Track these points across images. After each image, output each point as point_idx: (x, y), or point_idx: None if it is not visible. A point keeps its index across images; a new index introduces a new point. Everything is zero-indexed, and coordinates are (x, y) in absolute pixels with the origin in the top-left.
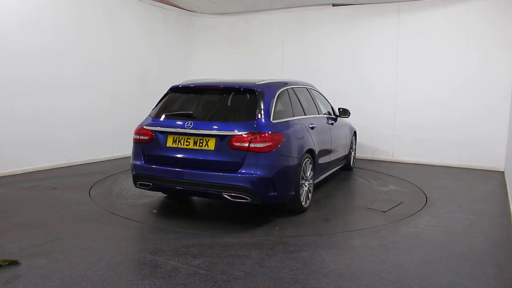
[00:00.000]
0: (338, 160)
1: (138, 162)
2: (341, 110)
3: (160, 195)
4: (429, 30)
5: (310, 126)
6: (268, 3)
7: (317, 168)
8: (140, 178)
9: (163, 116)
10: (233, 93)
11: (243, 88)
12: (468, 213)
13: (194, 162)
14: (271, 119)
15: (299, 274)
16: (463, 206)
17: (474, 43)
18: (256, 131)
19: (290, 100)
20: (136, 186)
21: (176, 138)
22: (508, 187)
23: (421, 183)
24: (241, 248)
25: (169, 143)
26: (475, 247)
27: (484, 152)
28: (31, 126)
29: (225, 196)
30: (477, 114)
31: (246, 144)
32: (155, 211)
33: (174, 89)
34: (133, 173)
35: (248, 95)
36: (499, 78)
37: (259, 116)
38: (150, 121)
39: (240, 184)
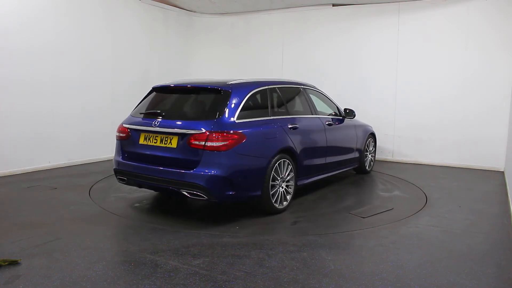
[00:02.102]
0: (341, 163)
1: (117, 158)
2: (347, 111)
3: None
4: (429, 30)
5: (291, 126)
6: (268, 3)
7: (302, 170)
8: (118, 172)
9: (138, 115)
10: (203, 92)
11: (211, 88)
12: (468, 213)
13: (160, 159)
14: (235, 119)
15: (299, 274)
16: (463, 206)
17: (474, 43)
18: (214, 130)
19: (269, 100)
20: (118, 181)
21: (147, 135)
22: (508, 187)
23: (421, 183)
24: (241, 248)
25: (141, 140)
26: (475, 247)
27: (484, 152)
28: (31, 126)
29: (184, 193)
30: (477, 114)
31: (203, 143)
32: (137, 204)
33: (155, 89)
34: (113, 167)
35: (215, 95)
36: (499, 78)
37: (220, 115)
38: (128, 119)
39: (196, 182)
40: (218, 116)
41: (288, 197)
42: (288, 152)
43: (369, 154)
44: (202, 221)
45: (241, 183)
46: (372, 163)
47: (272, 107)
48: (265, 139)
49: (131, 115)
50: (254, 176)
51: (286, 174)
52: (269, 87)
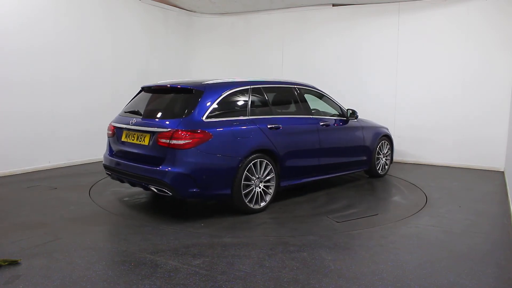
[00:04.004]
0: (342, 165)
1: (106, 154)
2: (350, 111)
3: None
4: (429, 30)
5: (271, 126)
6: (268, 3)
7: (286, 171)
8: (105, 168)
9: (123, 113)
10: (179, 92)
11: (186, 88)
12: (468, 213)
13: (136, 156)
14: (204, 118)
15: (299, 274)
16: (463, 206)
17: (474, 43)
18: (179, 128)
19: (250, 100)
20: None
21: (127, 133)
22: (508, 187)
23: (421, 183)
24: (241, 248)
25: (123, 137)
26: (475, 247)
27: (484, 152)
28: (31, 126)
29: (152, 188)
30: (477, 114)
31: (168, 141)
32: (126, 198)
33: (143, 88)
34: (102, 163)
35: (188, 95)
36: (499, 78)
37: (188, 114)
38: (116, 117)
39: (160, 178)
40: (186, 115)
41: (268, 197)
42: (266, 152)
43: (383, 157)
44: (175, 217)
45: (205, 181)
46: (386, 166)
47: (253, 107)
48: (236, 139)
49: (119, 114)
50: (221, 174)
51: (265, 174)
52: (252, 87)
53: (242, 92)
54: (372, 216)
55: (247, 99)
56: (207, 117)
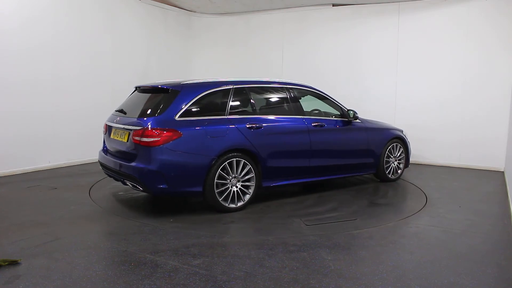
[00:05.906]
0: (340, 167)
1: (101, 151)
2: (351, 112)
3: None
4: (429, 30)
5: (249, 126)
6: (268, 3)
7: (268, 172)
8: (100, 164)
9: (114, 112)
10: (159, 92)
11: (164, 88)
12: (468, 213)
13: (118, 152)
14: (177, 117)
15: (299, 274)
16: (463, 206)
17: (474, 43)
18: (151, 127)
19: (230, 100)
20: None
21: (114, 131)
22: (508, 187)
23: (421, 183)
24: (241, 248)
25: (112, 135)
26: (475, 247)
27: (484, 152)
28: (31, 125)
29: (128, 184)
30: (477, 114)
31: (139, 138)
32: (123, 196)
33: (136, 88)
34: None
35: (165, 94)
36: (499, 78)
37: (160, 113)
38: (109, 116)
39: (132, 174)
40: (159, 114)
41: (246, 197)
42: (244, 151)
43: (395, 160)
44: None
45: (174, 178)
46: (399, 170)
47: (233, 107)
48: (208, 138)
49: (112, 113)
50: (191, 172)
51: (243, 174)
52: (236, 87)
53: (222, 92)
54: (348, 221)
55: (227, 99)
56: (181, 116)
